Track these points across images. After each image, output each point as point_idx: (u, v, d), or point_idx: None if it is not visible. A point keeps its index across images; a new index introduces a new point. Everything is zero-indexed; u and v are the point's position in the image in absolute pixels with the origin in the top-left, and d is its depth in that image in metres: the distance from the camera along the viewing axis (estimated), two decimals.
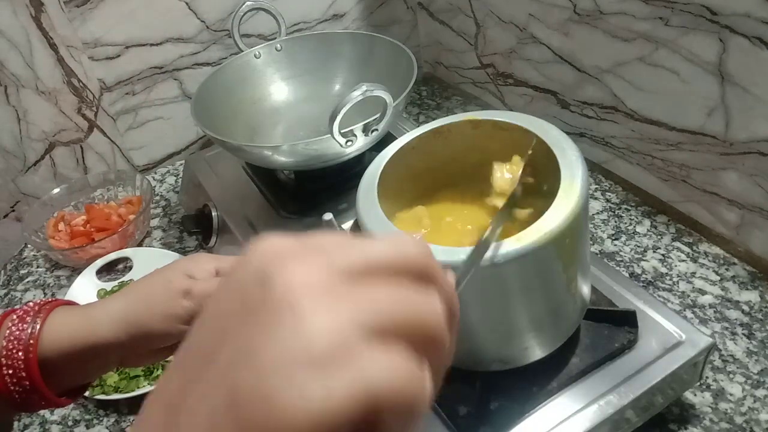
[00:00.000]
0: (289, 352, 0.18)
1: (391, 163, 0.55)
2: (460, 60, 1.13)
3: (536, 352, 0.52)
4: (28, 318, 0.43)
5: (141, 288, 0.46)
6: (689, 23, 0.69)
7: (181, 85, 1.04)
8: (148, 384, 0.70)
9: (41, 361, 0.42)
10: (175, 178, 1.08)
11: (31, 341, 0.42)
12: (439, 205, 0.58)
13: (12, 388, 0.41)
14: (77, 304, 0.48)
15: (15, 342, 0.42)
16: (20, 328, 0.42)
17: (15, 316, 0.43)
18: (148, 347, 0.46)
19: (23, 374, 0.41)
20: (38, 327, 0.43)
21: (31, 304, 0.45)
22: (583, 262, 0.52)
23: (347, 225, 0.50)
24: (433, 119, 0.58)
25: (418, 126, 0.58)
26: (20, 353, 0.41)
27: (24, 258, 0.96)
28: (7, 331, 0.42)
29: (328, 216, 0.47)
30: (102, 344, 0.44)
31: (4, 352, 0.41)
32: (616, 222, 0.83)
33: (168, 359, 0.71)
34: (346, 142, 0.69)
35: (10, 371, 0.41)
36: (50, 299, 0.46)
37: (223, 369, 0.19)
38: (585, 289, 0.54)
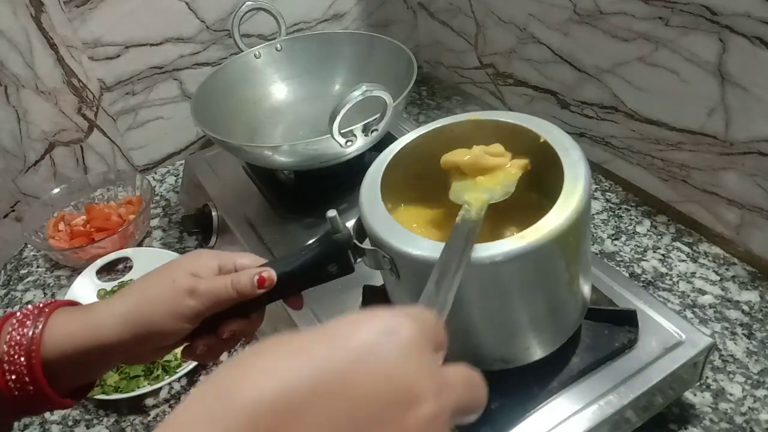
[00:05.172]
0: None
1: (393, 162, 0.55)
2: (460, 60, 1.13)
3: (537, 351, 0.52)
4: (28, 321, 0.43)
5: (144, 288, 0.46)
6: (689, 23, 0.69)
7: (181, 85, 1.04)
8: (148, 384, 0.70)
9: (44, 365, 0.42)
10: (175, 178, 1.08)
11: (33, 346, 0.41)
12: (441, 204, 0.58)
13: (16, 393, 0.41)
14: (78, 303, 0.48)
15: (16, 347, 0.41)
16: (20, 332, 0.42)
17: (15, 320, 0.43)
18: (151, 346, 0.46)
19: (27, 379, 0.41)
20: (39, 331, 0.42)
21: (30, 307, 0.44)
22: (585, 261, 0.52)
23: (349, 224, 0.50)
24: (433, 119, 0.58)
25: (419, 126, 0.58)
26: (22, 358, 0.41)
27: (24, 258, 0.96)
28: (8, 336, 0.42)
29: (332, 212, 0.48)
30: (106, 345, 0.44)
31: (6, 357, 0.41)
32: (616, 222, 0.83)
33: (167, 357, 0.72)
34: (346, 142, 0.69)
35: (13, 376, 0.41)
36: (50, 300, 0.45)
37: None
38: (586, 289, 0.54)
